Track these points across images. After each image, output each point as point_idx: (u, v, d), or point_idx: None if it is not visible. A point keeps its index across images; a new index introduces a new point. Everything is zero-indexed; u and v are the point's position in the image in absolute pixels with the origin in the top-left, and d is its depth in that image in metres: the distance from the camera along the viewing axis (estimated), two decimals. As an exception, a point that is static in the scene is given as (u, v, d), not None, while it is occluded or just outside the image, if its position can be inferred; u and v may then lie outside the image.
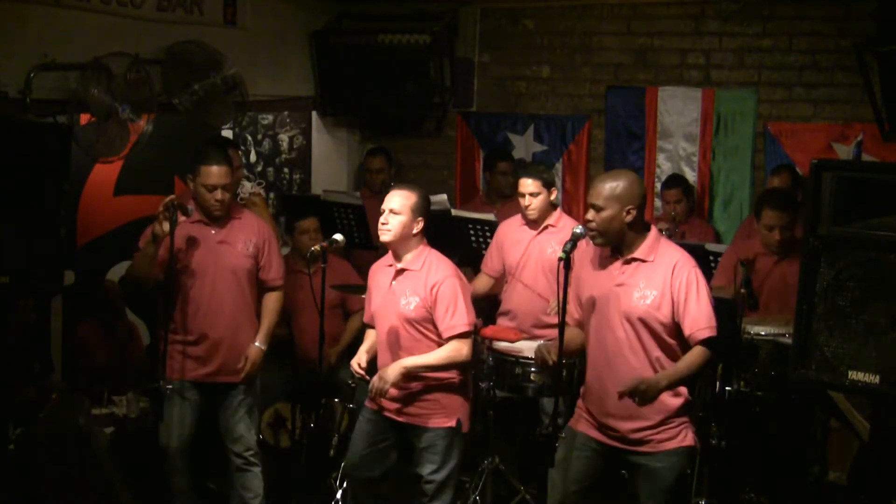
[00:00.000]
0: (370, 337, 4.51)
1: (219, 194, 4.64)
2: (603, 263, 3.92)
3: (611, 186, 3.78)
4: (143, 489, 4.75)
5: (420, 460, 4.38)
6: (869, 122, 5.89)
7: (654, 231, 3.89)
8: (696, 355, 3.79)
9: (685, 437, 3.87)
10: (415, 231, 4.29)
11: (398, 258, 4.34)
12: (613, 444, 3.92)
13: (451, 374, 4.34)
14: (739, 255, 5.12)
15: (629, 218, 3.79)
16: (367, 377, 4.33)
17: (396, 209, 4.25)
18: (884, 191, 3.36)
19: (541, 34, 7.07)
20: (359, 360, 4.36)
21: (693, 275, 3.81)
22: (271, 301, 4.91)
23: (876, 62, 5.62)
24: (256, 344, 4.80)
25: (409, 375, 4.25)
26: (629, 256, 3.85)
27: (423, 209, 4.30)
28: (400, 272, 4.33)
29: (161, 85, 5.59)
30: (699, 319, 3.77)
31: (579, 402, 4.08)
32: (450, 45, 7.09)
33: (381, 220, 4.28)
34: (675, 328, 3.81)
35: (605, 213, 3.78)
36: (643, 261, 3.84)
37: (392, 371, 4.22)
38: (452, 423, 4.34)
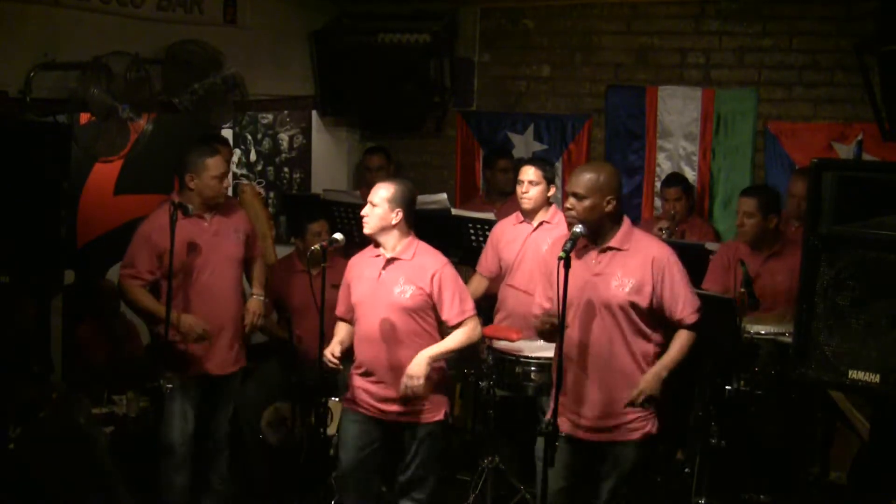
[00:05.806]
0: (342, 329, 4.52)
1: (225, 182, 4.87)
2: (578, 254, 3.92)
3: (593, 177, 3.87)
4: (143, 489, 4.75)
5: (410, 455, 4.39)
6: (869, 121, 5.87)
7: (626, 221, 3.97)
8: (685, 338, 3.91)
9: (652, 426, 3.95)
10: (393, 222, 4.32)
11: (386, 248, 4.36)
12: (587, 436, 3.95)
13: (439, 369, 4.40)
14: (723, 258, 5.16)
15: (609, 208, 3.88)
16: (341, 367, 4.36)
17: (375, 201, 4.32)
18: (884, 191, 3.37)
19: (541, 34, 7.06)
20: (332, 350, 4.36)
21: (673, 260, 3.91)
22: (257, 263, 5.13)
23: (876, 62, 5.60)
24: (254, 296, 5.01)
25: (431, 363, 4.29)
26: (605, 245, 3.91)
27: (401, 200, 4.33)
28: (390, 261, 4.35)
29: (161, 84, 5.58)
30: (686, 305, 3.88)
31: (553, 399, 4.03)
32: (450, 44, 7.07)
33: (362, 212, 4.36)
34: (651, 315, 3.88)
35: (587, 203, 3.85)
36: (619, 249, 3.91)
37: (419, 367, 4.25)
38: (441, 417, 4.41)
